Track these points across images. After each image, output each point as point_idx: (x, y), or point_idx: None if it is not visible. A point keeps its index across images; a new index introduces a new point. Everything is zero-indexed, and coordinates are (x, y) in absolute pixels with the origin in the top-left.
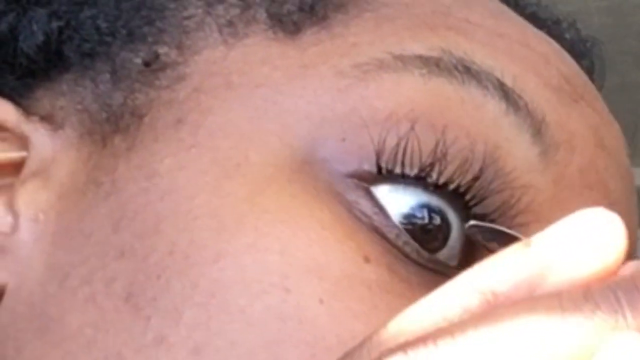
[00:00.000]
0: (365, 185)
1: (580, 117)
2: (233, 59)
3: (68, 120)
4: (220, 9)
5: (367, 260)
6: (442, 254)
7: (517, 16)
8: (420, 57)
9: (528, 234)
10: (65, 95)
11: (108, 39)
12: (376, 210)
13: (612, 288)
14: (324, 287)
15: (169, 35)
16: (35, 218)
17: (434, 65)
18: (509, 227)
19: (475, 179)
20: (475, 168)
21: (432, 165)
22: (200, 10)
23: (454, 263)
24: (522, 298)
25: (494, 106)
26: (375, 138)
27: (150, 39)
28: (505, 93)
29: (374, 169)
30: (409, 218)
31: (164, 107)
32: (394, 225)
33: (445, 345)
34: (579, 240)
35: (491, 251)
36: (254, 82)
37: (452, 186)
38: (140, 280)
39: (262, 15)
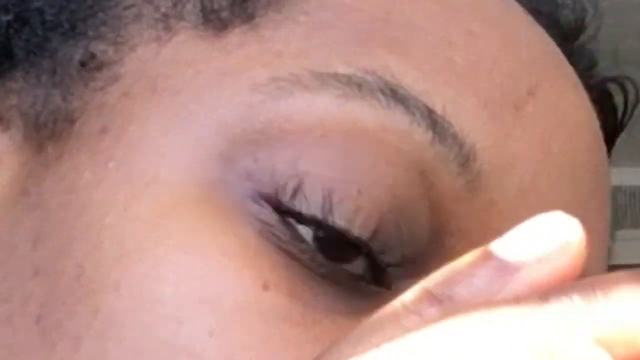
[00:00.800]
0: (276, 204)
1: (523, 132)
2: (163, 58)
3: (14, 121)
4: None
5: (266, 287)
6: (360, 265)
7: None
8: (340, 77)
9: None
10: (14, 94)
11: (51, 33)
12: (287, 231)
13: (568, 292)
14: (216, 318)
15: (108, 29)
16: None
17: (355, 86)
18: (442, 253)
19: (373, 232)
20: (370, 223)
21: (324, 217)
22: (139, 0)
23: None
24: (481, 304)
25: (419, 135)
26: (280, 166)
27: (90, 33)
28: (433, 121)
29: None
30: (319, 233)
31: (94, 112)
32: (307, 247)
33: (398, 351)
34: (536, 244)
35: None
36: (175, 88)
37: (350, 233)
38: (50, 303)
39: (193, 8)
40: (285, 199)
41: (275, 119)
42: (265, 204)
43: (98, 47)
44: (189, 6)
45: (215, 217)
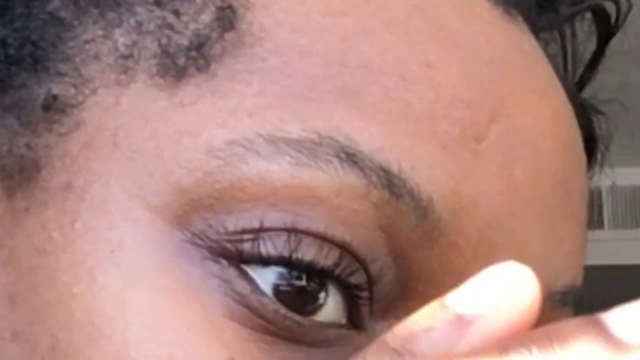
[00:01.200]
0: (236, 263)
1: (484, 166)
2: (122, 108)
3: None
4: (116, 33)
5: None
6: (325, 314)
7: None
8: (294, 143)
9: (423, 301)
10: None
11: (14, 68)
12: (249, 287)
13: (527, 344)
14: None
15: (69, 66)
16: None
17: (308, 153)
18: (405, 295)
19: (337, 264)
20: (334, 256)
21: (288, 256)
22: (99, 33)
23: (339, 319)
24: (440, 357)
25: (376, 197)
26: (235, 228)
27: (52, 70)
28: (389, 182)
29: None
30: (280, 283)
31: (58, 162)
32: (270, 301)
33: None
34: (491, 296)
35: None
36: (135, 145)
37: (317, 267)
38: None
39: (150, 50)
40: (246, 248)
41: (230, 188)
42: (223, 262)
43: (60, 87)
44: (146, 45)
45: (179, 285)
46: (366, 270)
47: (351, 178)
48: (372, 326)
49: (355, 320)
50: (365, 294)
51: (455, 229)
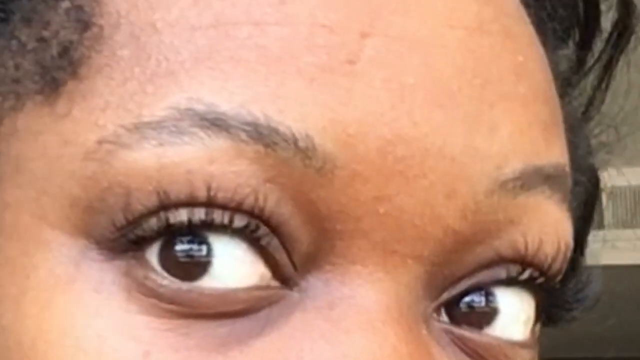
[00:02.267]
0: (132, 253)
1: (366, 84)
2: (20, 133)
3: None
4: (4, 57)
5: (147, 354)
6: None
7: None
8: (155, 124)
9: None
10: None
11: None
12: (144, 272)
13: None
14: None
15: None
16: None
17: (169, 131)
18: (324, 239)
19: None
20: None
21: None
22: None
23: (267, 279)
24: None
25: (252, 152)
26: (120, 221)
27: None
28: (260, 134)
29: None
30: (164, 257)
31: None
32: (157, 275)
33: None
34: None
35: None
36: (31, 168)
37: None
38: None
39: (31, 69)
40: (132, 236)
41: (109, 186)
42: (122, 257)
43: None
44: (28, 72)
45: (88, 295)
46: (267, 225)
47: (219, 142)
48: (299, 281)
49: (278, 276)
50: (281, 254)
51: (350, 157)
